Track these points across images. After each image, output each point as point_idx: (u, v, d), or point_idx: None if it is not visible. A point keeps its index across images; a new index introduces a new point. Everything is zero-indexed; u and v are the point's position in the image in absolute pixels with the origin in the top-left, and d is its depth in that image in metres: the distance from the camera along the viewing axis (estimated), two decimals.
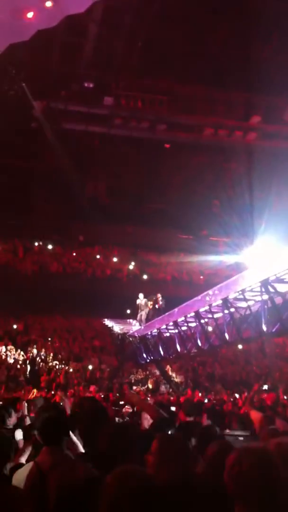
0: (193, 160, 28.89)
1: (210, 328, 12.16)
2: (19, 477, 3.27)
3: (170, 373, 22.44)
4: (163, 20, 23.22)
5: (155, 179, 29.45)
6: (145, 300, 19.54)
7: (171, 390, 20.06)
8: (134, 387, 20.29)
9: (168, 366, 22.28)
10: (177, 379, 22.43)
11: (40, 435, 3.37)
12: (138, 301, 19.80)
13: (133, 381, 22.11)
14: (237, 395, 16.88)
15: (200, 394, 17.98)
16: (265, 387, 13.93)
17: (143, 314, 19.24)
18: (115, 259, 30.30)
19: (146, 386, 21.53)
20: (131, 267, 30.29)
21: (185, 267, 28.92)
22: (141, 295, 19.69)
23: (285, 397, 14.09)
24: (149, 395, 17.66)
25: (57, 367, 22.56)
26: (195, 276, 28.57)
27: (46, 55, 23.87)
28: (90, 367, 22.92)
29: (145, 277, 29.46)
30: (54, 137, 26.42)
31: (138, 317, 19.56)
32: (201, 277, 28.19)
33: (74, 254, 30.29)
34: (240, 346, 19.59)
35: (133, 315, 20.58)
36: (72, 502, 2.72)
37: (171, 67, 24.45)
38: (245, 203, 21.15)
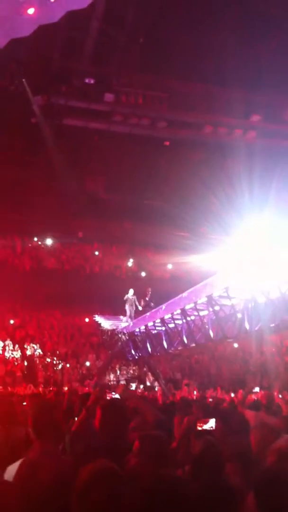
0: (192, 158, 28.85)
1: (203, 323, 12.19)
2: (11, 472, 3.26)
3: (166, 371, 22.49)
4: (164, 17, 23.18)
5: (154, 176, 29.43)
6: (134, 297, 19.70)
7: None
8: (132, 384, 20.32)
9: (162, 364, 22.34)
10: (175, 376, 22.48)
11: (33, 430, 3.38)
12: (126, 296, 19.92)
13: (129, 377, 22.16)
14: (232, 394, 16.92)
15: (195, 392, 18.04)
16: (257, 389, 13.92)
17: (131, 310, 19.48)
18: (113, 256, 30.31)
19: (143, 383, 21.58)
20: (129, 264, 30.31)
21: (183, 264, 28.92)
22: (131, 291, 19.86)
23: (280, 396, 14.11)
24: (146, 392, 17.73)
25: (54, 363, 22.61)
26: (194, 273, 28.57)
27: (47, 50, 23.80)
28: (88, 363, 22.97)
29: (143, 274, 29.48)
30: (54, 133, 26.38)
31: (128, 313, 19.72)
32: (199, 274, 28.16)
33: (72, 250, 30.29)
34: (236, 345, 19.63)
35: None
36: (63, 497, 2.73)
37: (172, 64, 24.40)
38: (244, 201, 21.11)
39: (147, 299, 19.38)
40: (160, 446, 2.93)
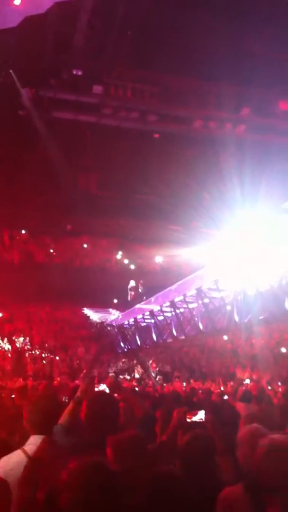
0: (183, 152, 28.82)
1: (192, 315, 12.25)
2: (3, 465, 3.21)
3: (155, 363, 22.53)
4: (155, 11, 23.02)
5: (145, 170, 29.36)
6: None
7: (157, 379, 20.18)
8: (121, 377, 20.37)
9: (152, 357, 22.39)
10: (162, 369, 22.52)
11: (29, 423, 3.36)
12: (129, 285, 21.57)
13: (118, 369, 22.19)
14: (222, 387, 17.02)
15: (184, 384, 18.10)
16: (247, 381, 14.02)
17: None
18: (103, 250, 30.30)
19: (132, 375, 21.62)
20: (118, 256, 30.29)
21: (174, 257, 28.98)
22: (132, 281, 20.80)
23: (269, 387, 14.22)
24: (136, 385, 17.74)
25: (43, 356, 22.57)
26: (184, 266, 28.61)
27: (36, 42, 23.56)
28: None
29: (133, 267, 29.48)
30: (44, 126, 26.19)
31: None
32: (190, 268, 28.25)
33: (62, 243, 30.21)
34: (225, 337, 19.71)
35: (120, 305, 20.88)
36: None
37: (163, 58, 24.28)
38: (235, 195, 21.17)
39: (140, 290, 19.66)
40: (135, 448, 2.91)
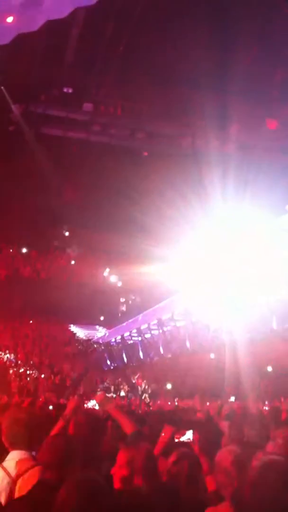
0: (168, 169, 28.99)
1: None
2: None
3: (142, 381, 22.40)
4: (145, 28, 23.33)
5: (130, 187, 29.47)
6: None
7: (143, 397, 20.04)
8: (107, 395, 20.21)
9: (138, 374, 22.25)
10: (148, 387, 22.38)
11: (8, 438, 3.34)
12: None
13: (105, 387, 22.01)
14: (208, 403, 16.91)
15: (169, 403, 17.99)
16: (232, 399, 14.00)
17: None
18: (89, 266, 30.22)
19: (118, 393, 21.45)
20: (105, 274, 30.23)
21: (160, 274, 28.94)
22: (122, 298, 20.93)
23: (256, 407, 14.18)
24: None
25: (28, 373, 22.33)
26: (169, 283, 28.60)
27: (26, 58, 23.72)
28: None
29: (119, 284, 29.41)
30: (33, 141, 26.26)
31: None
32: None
33: (49, 259, 30.12)
34: (212, 355, 19.64)
35: (105, 322, 20.80)
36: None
37: (152, 75, 24.57)
38: (218, 213, 21.33)
39: (123, 309, 19.61)
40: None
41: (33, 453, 3.36)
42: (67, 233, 28.52)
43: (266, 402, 16.43)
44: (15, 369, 22.34)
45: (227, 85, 24.58)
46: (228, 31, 23.03)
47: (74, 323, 22.71)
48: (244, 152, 27.76)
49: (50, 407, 9.47)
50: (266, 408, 13.48)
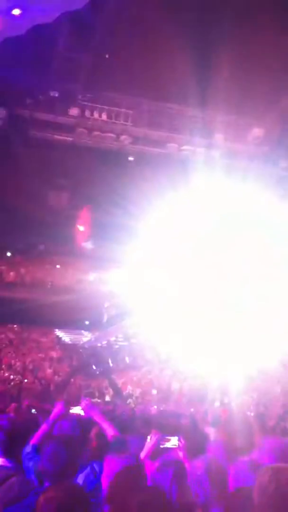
0: (154, 175, 29.09)
1: None
2: None
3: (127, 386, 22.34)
4: (131, 35, 23.46)
5: (116, 192, 29.50)
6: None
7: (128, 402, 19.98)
8: (92, 400, 20.09)
9: (123, 379, 22.21)
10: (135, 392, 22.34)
11: None
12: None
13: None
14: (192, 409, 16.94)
15: (155, 407, 17.98)
16: (217, 404, 14.04)
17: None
18: (74, 270, 30.17)
19: (103, 399, 21.35)
20: (91, 278, 30.18)
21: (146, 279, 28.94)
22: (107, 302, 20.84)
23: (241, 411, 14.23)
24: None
25: (11, 378, 22.13)
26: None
27: (13, 62, 23.68)
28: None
29: (104, 289, 29.34)
30: (18, 144, 26.17)
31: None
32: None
33: (33, 263, 29.98)
34: None
35: (91, 326, 20.70)
36: None
37: (138, 81, 24.69)
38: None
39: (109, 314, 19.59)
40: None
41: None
42: (52, 238, 28.38)
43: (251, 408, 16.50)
44: None
45: (212, 94, 24.80)
46: (211, 40, 23.24)
47: (59, 328, 22.62)
48: (230, 158, 28.00)
49: (33, 411, 9.44)
50: (252, 414, 13.54)
